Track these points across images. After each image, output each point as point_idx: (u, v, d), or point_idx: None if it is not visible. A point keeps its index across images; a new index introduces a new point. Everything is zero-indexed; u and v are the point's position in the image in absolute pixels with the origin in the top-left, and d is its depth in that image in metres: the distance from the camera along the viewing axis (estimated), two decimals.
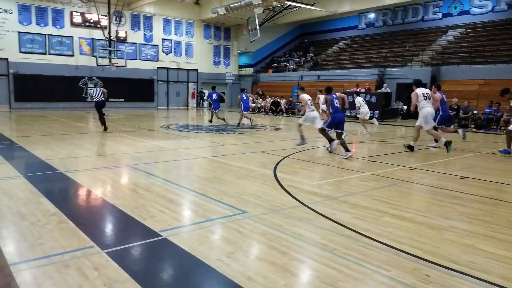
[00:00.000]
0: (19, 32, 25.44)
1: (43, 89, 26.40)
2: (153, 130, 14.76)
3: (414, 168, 7.89)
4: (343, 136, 9.09)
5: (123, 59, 28.01)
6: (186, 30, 32.71)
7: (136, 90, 30.31)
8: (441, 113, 10.43)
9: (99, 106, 14.25)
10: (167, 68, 32.12)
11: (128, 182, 6.46)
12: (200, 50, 33.72)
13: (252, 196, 5.64)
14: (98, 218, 4.70)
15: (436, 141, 10.39)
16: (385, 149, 10.42)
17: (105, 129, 13.91)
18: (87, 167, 7.48)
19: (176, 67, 32.51)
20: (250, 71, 36.74)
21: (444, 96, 10.72)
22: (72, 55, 27.50)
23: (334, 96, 8.98)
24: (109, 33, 27.67)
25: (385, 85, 23.50)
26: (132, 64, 29.79)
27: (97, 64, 27.17)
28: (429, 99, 9.58)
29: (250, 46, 35.75)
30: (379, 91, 22.57)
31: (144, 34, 30.49)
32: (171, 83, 32.41)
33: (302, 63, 33.77)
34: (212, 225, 4.51)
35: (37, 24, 26.07)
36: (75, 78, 27.53)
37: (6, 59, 25.35)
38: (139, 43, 30.32)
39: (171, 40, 32.00)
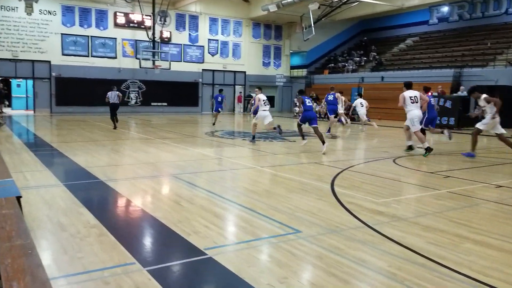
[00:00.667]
0: (62, 34, 27.08)
1: (85, 93, 27.81)
2: (197, 137, 15.02)
3: (500, 186, 7.38)
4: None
5: (167, 61, 28.96)
6: (233, 30, 33.27)
7: (180, 94, 31.19)
8: (427, 115, 11.79)
9: (114, 108, 17.39)
10: (213, 70, 32.76)
11: (171, 193, 6.56)
12: (248, 50, 34.13)
13: (306, 213, 5.51)
14: (139, 231, 4.78)
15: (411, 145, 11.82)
16: (463, 163, 9.89)
17: (115, 127, 17.02)
18: (128, 176, 7.69)
19: (223, 69, 33.08)
20: (303, 72, 36.63)
21: (431, 98, 12.37)
22: (115, 57, 28.81)
23: (307, 97, 11.93)
24: (153, 34, 28.73)
25: (462, 87, 22.43)
26: (176, 66, 30.70)
27: (140, 67, 28.27)
28: (417, 102, 10.88)
29: (304, 45, 35.66)
30: (455, 94, 21.59)
31: (189, 34, 31.37)
32: (216, 86, 33.04)
33: (363, 63, 33.14)
34: (262, 244, 4.43)
35: (80, 25, 27.62)
36: (117, 81, 28.77)
37: (49, 62, 27.04)
38: (184, 44, 31.21)
39: (217, 40, 32.66)
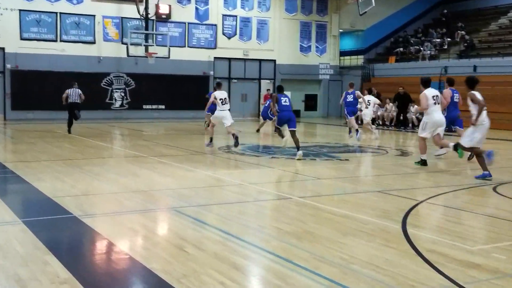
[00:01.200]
0: (20, 10, 27.90)
1: (52, 92, 28.38)
2: (207, 154, 15.06)
3: None
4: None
5: (166, 46, 29.40)
6: (258, 1, 33.61)
7: (183, 93, 31.57)
8: (445, 114, 13.34)
9: (72, 108, 19.46)
10: (229, 59, 33.10)
11: (171, 234, 6.58)
12: (279, 30, 34.38)
13: (367, 265, 5.44)
14: None
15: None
16: None
17: (69, 132, 19.21)
18: (112, 209, 7.77)
19: (243, 57, 33.38)
20: (358, 60, 36.61)
21: (456, 94, 14.16)
22: (93, 42, 29.46)
23: (283, 95, 13.80)
24: (146, 9, 29.34)
25: None
26: (178, 53, 31.15)
27: (127, 55, 28.86)
28: (439, 103, 12.52)
29: (359, 22, 35.71)
30: None
31: (196, 8, 31.88)
32: (234, 81, 33.29)
33: (445, 47, 32.82)
34: None
35: None
36: (96, 75, 29.36)
37: (2, 49, 27.84)
38: (189, 23, 31.69)
39: (235, 16, 33.05)
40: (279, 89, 14.52)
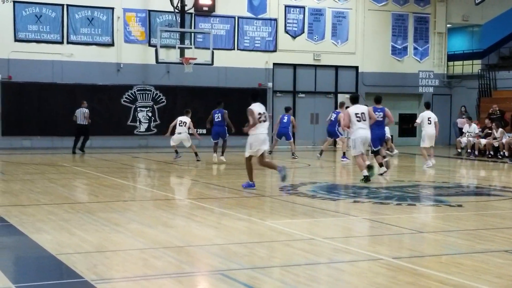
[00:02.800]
0: (14, 1, 28.82)
1: (56, 112, 29.13)
2: (265, 196, 15.07)
3: None
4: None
5: (208, 49, 29.70)
6: None
7: (232, 112, 31.70)
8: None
9: (79, 132, 23.04)
10: (294, 65, 33.22)
11: None
12: (363, 26, 34.44)
13: None
14: None
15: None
16: None
17: (74, 152, 22.58)
18: (136, 272, 7.83)
19: (314, 63, 33.45)
20: (474, 66, 36.06)
21: (378, 112, 19.02)
22: (111, 45, 30.18)
23: (217, 111, 20.72)
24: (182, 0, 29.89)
25: None
26: (225, 59, 31.46)
27: (156, 62, 29.28)
28: (364, 120, 17.00)
29: (475, 14, 35.40)
30: None
31: None
32: (301, 95, 33.36)
33: None
34: None
35: None
36: (115, 89, 29.97)
37: None
38: (240, 17, 32.12)
39: (302, 8, 33.31)
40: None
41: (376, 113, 19.06)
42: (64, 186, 16.44)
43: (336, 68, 34.02)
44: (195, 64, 28.85)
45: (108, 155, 25.61)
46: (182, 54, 29.21)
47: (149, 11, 30.52)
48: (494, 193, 16.31)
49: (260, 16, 32.39)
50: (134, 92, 30.43)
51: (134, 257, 8.64)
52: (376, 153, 19.20)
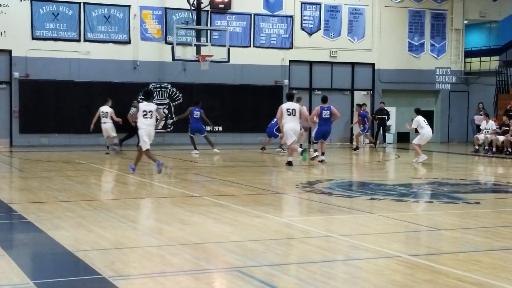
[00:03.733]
0: (32, 0, 28.99)
1: (72, 109, 29.29)
2: (280, 193, 15.09)
3: None
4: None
5: (224, 46, 29.77)
6: None
7: (248, 110, 31.82)
8: (317, 128, 22.91)
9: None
10: (310, 62, 33.25)
11: None
12: (379, 22, 34.39)
13: None
14: None
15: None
16: None
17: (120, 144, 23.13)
18: (153, 269, 7.85)
19: (330, 60, 33.45)
20: (491, 63, 35.90)
21: (324, 110, 22.44)
22: (128, 42, 30.30)
23: (196, 109, 23.91)
24: None
25: None
26: (241, 56, 31.54)
27: (173, 59, 29.41)
28: (294, 115, 20.24)
29: (492, 10, 35.27)
30: None
31: None
32: (317, 92, 33.33)
33: None
34: None
35: None
36: (131, 86, 30.09)
37: (9, 52, 28.99)
38: (256, 14, 32.16)
39: (318, 5, 33.32)
40: (197, 103, 20.21)
41: (323, 111, 22.50)
42: (81, 183, 16.51)
43: (353, 65, 33.98)
44: (211, 61, 28.96)
45: (124, 153, 25.68)
46: (198, 51, 29.29)
47: (166, 8, 30.63)
48: None
49: (276, 13, 32.42)
50: (151, 88, 30.45)
51: (151, 254, 8.66)
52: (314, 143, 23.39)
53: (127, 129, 26.59)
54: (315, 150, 23.00)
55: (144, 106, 17.89)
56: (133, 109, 25.37)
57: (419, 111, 24.09)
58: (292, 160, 21.00)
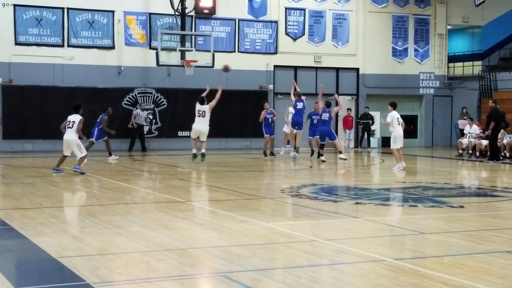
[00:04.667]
0: (15, 5, 28.89)
1: (55, 115, 29.13)
2: (266, 198, 15.09)
3: None
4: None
5: (209, 52, 29.78)
6: None
7: (233, 115, 31.81)
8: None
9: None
10: (295, 67, 33.31)
11: None
12: (363, 27, 34.53)
13: None
14: None
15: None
16: None
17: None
18: (138, 275, 7.83)
19: (314, 65, 33.54)
20: (474, 68, 36.09)
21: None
22: (112, 47, 30.24)
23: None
24: (183, 1, 29.96)
25: None
26: (226, 61, 31.26)
27: (157, 64, 29.35)
28: (204, 116, 22.93)
29: (475, 16, 35.45)
30: None
31: (250, 0, 32.20)
32: (303, 97, 33.30)
33: None
34: None
35: None
36: (115, 92, 30.06)
37: None
38: (240, 20, 32.22)
39: (303, 10, 33.41)
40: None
41: (324, 113, 24.59)
42: (65, 189, 16.46)
43: (337, 70, 34.07)
44: (196, 66, 28.99)
45: (109, 158, 25.62)
46: (183, 56, 29.31)
47: (150, 14, 30.59)
48: (496, 194, 16.31)
49: (260, 19, 32.45)
50: (135, 94, 30.47)
51: (136, 260, 8.64)
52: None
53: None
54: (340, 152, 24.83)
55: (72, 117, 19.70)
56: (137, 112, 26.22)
57: (395, 105, 22.86)
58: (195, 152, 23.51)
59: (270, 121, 26.91)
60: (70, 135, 19.40)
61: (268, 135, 26.78)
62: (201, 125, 23.07)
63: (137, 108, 29.15)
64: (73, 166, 19.66)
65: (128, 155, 27.42)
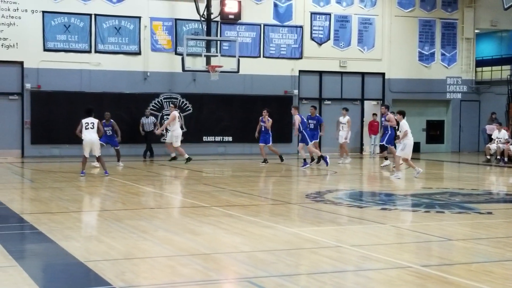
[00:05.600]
0: (44, 12, 29.14)
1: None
2: (290, 203, 15.10)
3: None
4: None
5: (234, 57, 29.78)
6: None
7: (258, 120, 31.74)
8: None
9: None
10: (320, 72, 33.23)
11: None
12: (389, 32, 34.35)
13: None
14: None
15: None
16: None
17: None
18: (163, 279, 7.85)
19: (340, 69, 33.44)
20: (502, 72, 35.77)
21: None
22: (138, 53, 30.38)
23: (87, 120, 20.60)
24: (208, 7, 29.98)
25: None
26: (251, 66, 31.53)
27: (183, 70, 29.39)
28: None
29: (503, 19, 35.17)
30: None
31: (275, 5, 32.40)
32: (327, 102, 33.31)
33: None
34: None
35: None
36: (141, 97, 30.17)
37: (20, 63, 29.08)
38: (265, 25, 32.18)
39: (328, 15, 33.30)
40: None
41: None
42: (92, 194, 16.58)
43: (363, 74, 33.92)
44: (221, 72, 28.98)
45: (135, 163, 25.77)
46: (208, 62, 29.30)
47: (176, 19, 30.69)
48: None
49: (286, 24, 32.42)
50: (161, 100, 30.57)
51: (161, 264, 8.68)
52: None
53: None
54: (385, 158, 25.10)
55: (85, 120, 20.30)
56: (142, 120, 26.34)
57: (404, 113, 21.09)
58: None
59: (262, 129, 26.19)
60: (94, 135, 20.18)
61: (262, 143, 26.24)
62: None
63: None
64: (102, 172, 20.34)
65: (143, 160, 27.49)
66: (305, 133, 24.62)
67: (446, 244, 10.43)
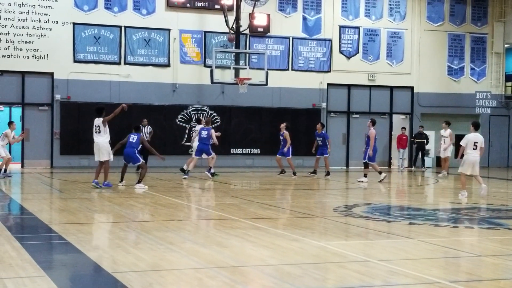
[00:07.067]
0: (74, 23, 29.52)
1: (112, 132, 29.41)
2: (318, 216, 15.05)
3: None
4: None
5: (263, 69, 29.87)
6: (389, 7, 33.71)
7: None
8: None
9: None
10: (349, 86, 33.21)
11: None
12: (418, 46, 34.30)
13: None
14: None
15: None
16: None
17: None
18: None
19: (368, 83, 33.42)
20: None
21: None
22: (167, 65, 30.58)
23: (133, 134, 21.15)
24: (237, 20, 30.20)
25: None
26: (280, 79, 31.68)
27: (211, 82, 29.54)
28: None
29: None
30: None
31: (304, 18, 32.55)
32: (355, 116, 33.27)
33: None
34: None
35: (106, 7, 29.98)
36: (170, 109, 30.36)
37: (51, 74, 29.45)
38: (294, 38, 32.32)
39: (357, 28, 33.37)
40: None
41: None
42: (120, 204, 16.63)
43: (391, 88, 33.86)
44: (250, 84, 29.08)
45: (163, 175, 25.86)
46: (236, 74, 29.39)
47: (205, 32, 30.90)
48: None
49: (314, 37, 32.51)
50: (189, 112, 30.75)
51: (188, 277, 8.68)
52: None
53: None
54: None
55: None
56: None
57: (478, 126, 20.36)
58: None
59: (319, 143, 26.56)
60: (100, 139, 20.90)
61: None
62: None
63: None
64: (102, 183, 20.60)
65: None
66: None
67: (475, 260, 10.33)
